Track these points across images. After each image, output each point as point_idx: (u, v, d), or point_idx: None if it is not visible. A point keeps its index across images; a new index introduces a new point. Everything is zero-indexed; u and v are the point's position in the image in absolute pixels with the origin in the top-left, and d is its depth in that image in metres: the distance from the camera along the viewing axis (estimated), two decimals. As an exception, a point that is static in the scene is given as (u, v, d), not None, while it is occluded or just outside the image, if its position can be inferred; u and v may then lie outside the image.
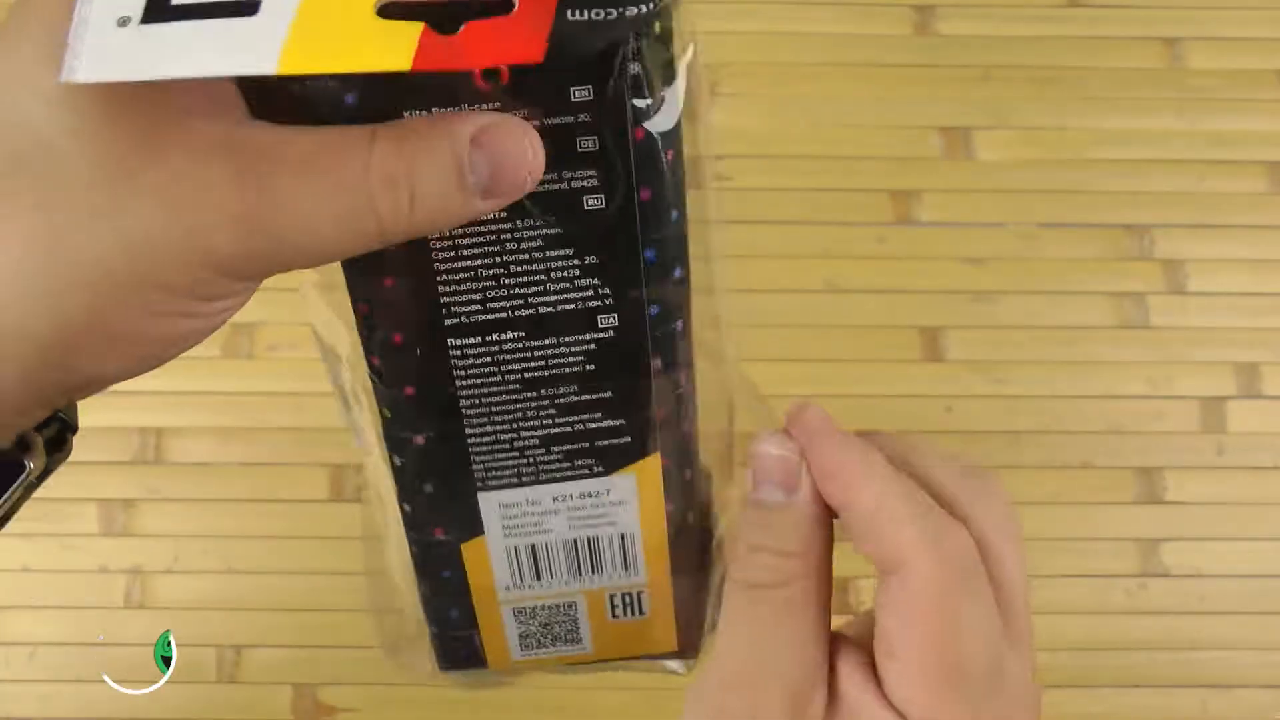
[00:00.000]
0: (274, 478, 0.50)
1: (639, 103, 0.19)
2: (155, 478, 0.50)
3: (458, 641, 0.27)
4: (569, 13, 0.17)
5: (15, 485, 0.21)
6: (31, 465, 0.21)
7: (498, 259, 0.21)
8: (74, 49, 0.16)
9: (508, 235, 0.21)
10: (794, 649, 0.23)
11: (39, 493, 0.50)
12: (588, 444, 0.24)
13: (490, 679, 0.29)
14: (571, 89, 0.19)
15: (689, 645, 0.28)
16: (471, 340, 0.22)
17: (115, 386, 0.44)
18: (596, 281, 0.21)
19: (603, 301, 0.22)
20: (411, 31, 0.16)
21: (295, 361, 0.51)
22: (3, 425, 0.19)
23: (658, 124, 0.20)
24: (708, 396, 0.26)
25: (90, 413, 0.51)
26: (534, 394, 0.23)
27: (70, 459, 0.54)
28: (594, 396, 0.23)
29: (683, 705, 0.24)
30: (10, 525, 0.45)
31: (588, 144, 0.19)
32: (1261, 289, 0.52)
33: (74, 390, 0.19)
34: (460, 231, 0.20)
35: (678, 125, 0.20)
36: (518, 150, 0.17)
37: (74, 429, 0.23)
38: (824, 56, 0.55)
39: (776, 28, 0.56)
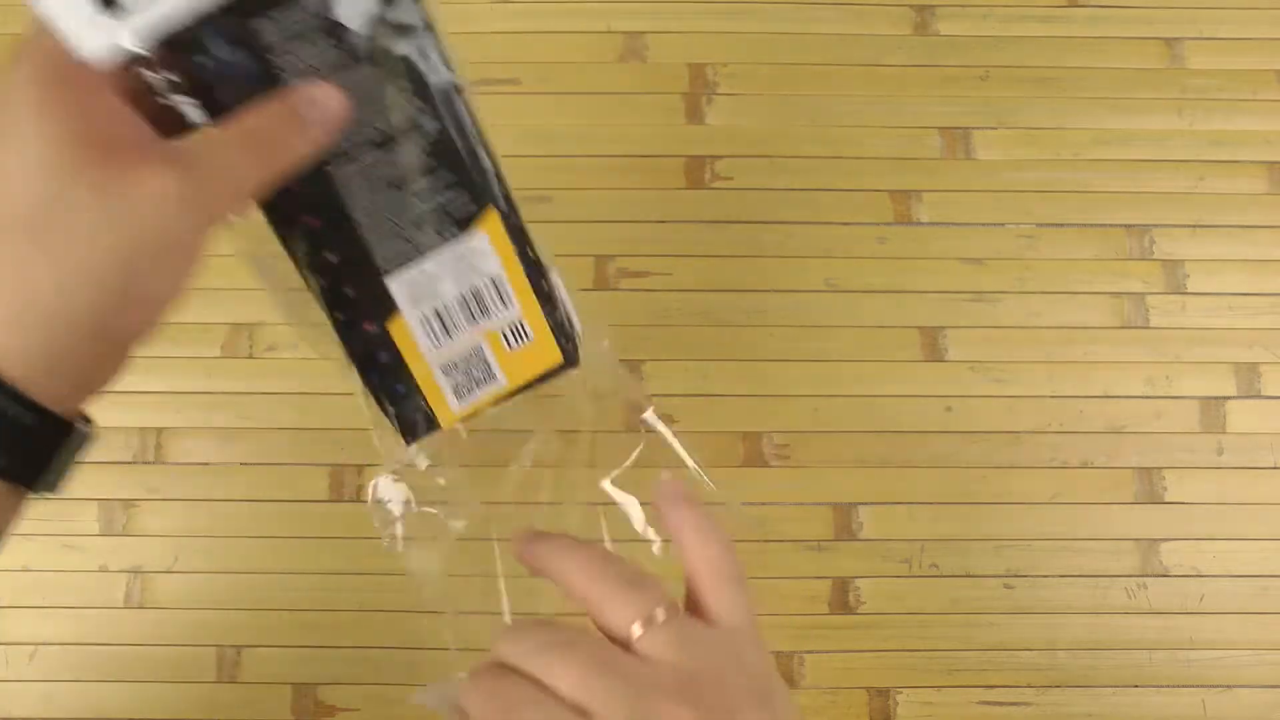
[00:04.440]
0: (274, 478, 0.50)
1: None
2: (155, 478, 0.50)
3: (412, 410, 0.35)
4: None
5: (82, 447, 0.29)
6: (90, 426, 0.29)
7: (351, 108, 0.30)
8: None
9: (351, 86, 0.30)
10: None
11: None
12: (444, 215, 0.33)
13: (446, 447, 0.37)
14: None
15: (569, 354, 0.36)
16: (355, 164, 0.32)
17: (115, 386, 0.43)
18: (417, 100, 0.32)
19: (429, 112, 0.32)
20: None
21: (295, 361, 0.51)
22: (67, 396, 0.27)
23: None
24: None
25: (90, 412, 0.52)
26: (399, 190, 0.32)
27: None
28: (436, 180, 0.33)
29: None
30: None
31: None
32: (1261, 289, 0.52)
33: (121, 347, 0.28)
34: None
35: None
36: (326, 98, 0.29)
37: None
38: (824, 56, 0.55)
39: (776, 28, 0.56)
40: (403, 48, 0.31)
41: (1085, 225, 0.53)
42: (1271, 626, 0.49)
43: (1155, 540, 0.50)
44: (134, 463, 0.50)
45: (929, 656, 0.48)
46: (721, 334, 0.51)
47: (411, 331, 0.34)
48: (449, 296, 0.34)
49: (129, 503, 0.50)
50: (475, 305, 0.35)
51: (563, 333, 0.35)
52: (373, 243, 0.33)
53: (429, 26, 0.31)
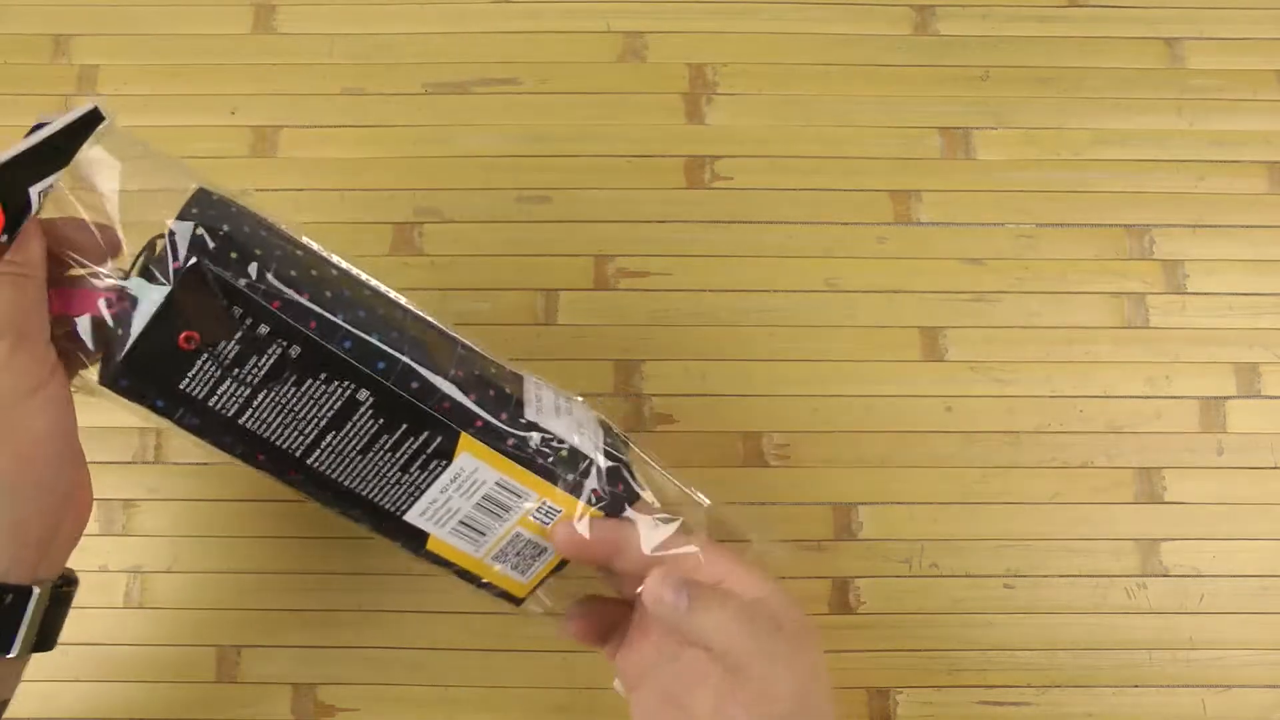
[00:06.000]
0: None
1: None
2: (155, 478, 0.50)
3: (496, 595, 0.39)
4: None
5: (55, 606, 0.34)
6: (38, 591, 0.33)
7: (287, 414, 0.34)
8: None
9: (276, 403, 0.34)
10: None
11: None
12: (424, 454, 0.35)
13: (542, 606, 0.41)
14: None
15: (613, 506, 0.37)
16: (321, 451, 0.35)
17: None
18: (338, 382, 0.34)
19: (355, 384, 0.34)
20: None
21: (295, 361, 0.51)
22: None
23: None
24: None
25: (90, 412, 0.52)
26: (372, 453, 0.35)
27: (70, 459, 0.52)
28: (399, 432, 0.35)
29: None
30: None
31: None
32: (1261, 289, 0.52)
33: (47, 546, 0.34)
34: (261, 423, 0.35)
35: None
36: None
37: (74, 582, 0.37)
38: (824, 56, 0.55)
39: (776, 28, 0.56)
40: (295, 351, 0.33)
41: (1085, 225, 0.53)
42: (1271, 626, 0.49)
43: (1155, 540, 0.50)
44: (134, 463, 0.50)
45: (929, 656, 0.48)
46: (721, 334, 0.51)
47: (452, 544, 0.37)
48: (465, 509, 0.36)
49: (129, 503, 0.50)
50: (492, 507, 0.37)
51: (599, 484, 0.37)
52: (377, 497, 0.36)
53: (307, 313, 0.33)
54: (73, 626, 0.49)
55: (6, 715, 0.47)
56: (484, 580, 0.38)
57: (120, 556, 0.49)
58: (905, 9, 0.56)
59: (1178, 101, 0.55)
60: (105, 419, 0.51)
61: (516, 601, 0.39)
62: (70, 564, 0.49)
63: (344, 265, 0.36)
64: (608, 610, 0.40)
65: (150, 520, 0.50)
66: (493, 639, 0.49)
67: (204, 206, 0.33)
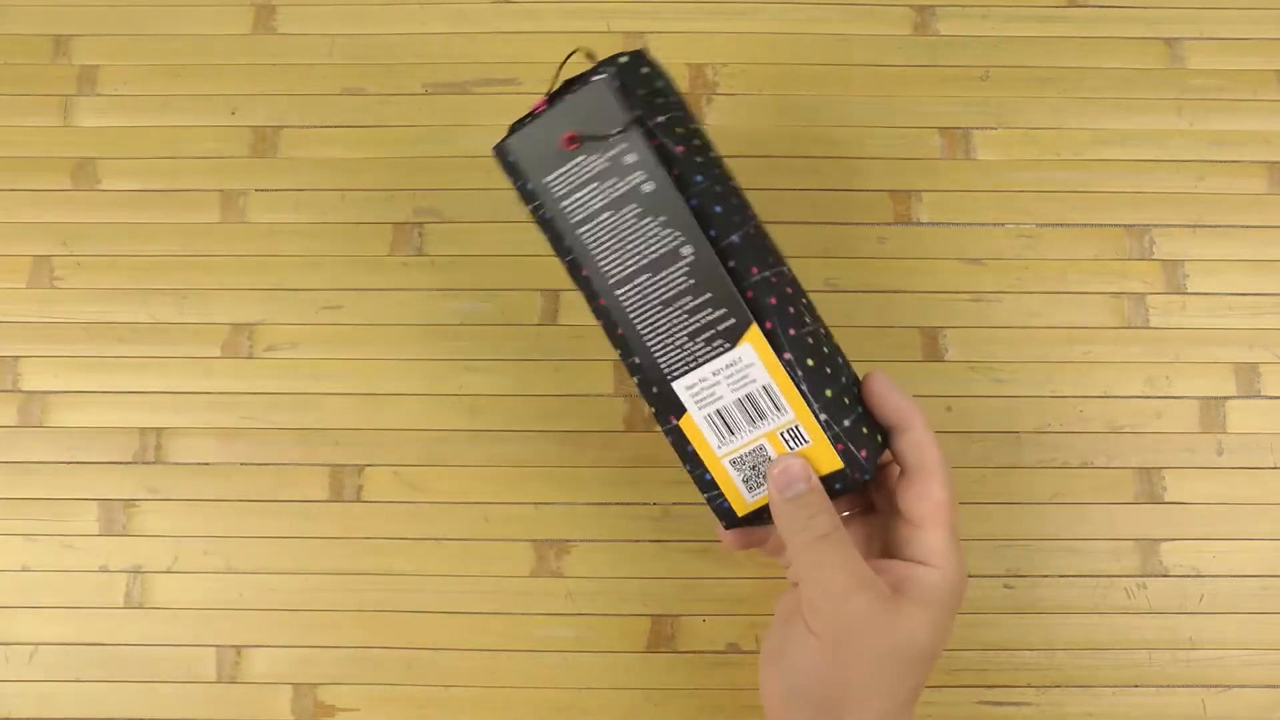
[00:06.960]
0: (274, 478, 0.50)
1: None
2: (155, 478, 0.50)
3: (717, 501, 0.40)
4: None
5: None
6: None
7: (617, 240, 0.38)
8: None
9: (613, 226, 0.38)
10: (862, 563, 0.37)
11: (39, 492, 0.50)
12: (713, 330, 0.38)
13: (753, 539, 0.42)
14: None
15: (850, 462, 0.38)
16: (632, 288, 0.38)
17: (115, 386, 0.43)
18: (672, 229, 0.38)
19: (684, 238, 0.37)
20: None
21: (295, 361, 0.51)
22: None
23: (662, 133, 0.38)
24: None
25: (90, 412, 0.52)
26: (671, 309, 0.38)
27: (70, 459, 0.54)
28: (701, 299, 0.38)
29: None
30: (10, 525, 0.45)
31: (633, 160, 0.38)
32: (1261, 289, 0.52)
33: None
34: (595, 239, 0.38)
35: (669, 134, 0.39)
36: None
37: None
38: (824, 56, 0.55)
39: (776, 28, 0.56)
40: (648, 187, 0.37)
41: (1085, 225, 0.53)
42: (1271, 626, 0.49)
43: (1155, 540, 0.50)
44: (134, 463, 0.50)
45: (929, 656, 0.48)
46: (721, 334, 0.51)
47: (700, 429, 0.39)
48: (727, 400, 0.38)
49: (129, 503, 0.50)
50: (751, 409, 0.38)
51: (850, 438, 0.38)
52: (659, 353, 0.38)
53: (673, 161, 0.38)
54: (73, 626, 0.49)
55: (6, 715, 0.47)
56: (712, 480, 0.39)
57: (120, 556, 0.49)
58: (905, 9, 0.56)
59: (1178, 101, 0.55)
60: (105, 419, 0.51)
61: (731, 522, 0.40)
62: (70, 564, 0.50)
63: (727, 169, 0.40)
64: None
65: (150, 520, 0.50)
66: (493, 639, 0.49)
67: (644, 58, 0.39)
